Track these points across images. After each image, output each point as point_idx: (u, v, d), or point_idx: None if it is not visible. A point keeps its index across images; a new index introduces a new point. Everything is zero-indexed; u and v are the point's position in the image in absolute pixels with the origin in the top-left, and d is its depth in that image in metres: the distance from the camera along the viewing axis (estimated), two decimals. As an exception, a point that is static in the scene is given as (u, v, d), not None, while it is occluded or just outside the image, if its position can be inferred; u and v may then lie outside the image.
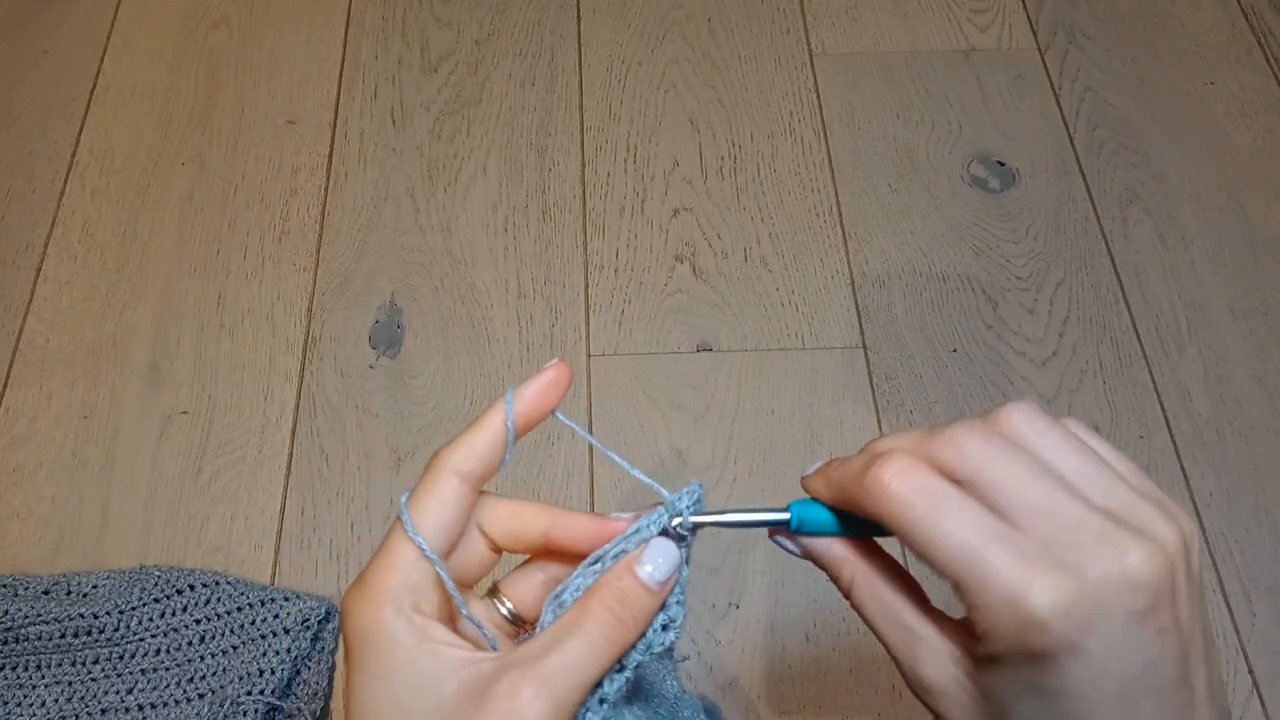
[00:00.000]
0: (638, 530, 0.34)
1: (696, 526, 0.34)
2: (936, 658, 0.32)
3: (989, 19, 0.97)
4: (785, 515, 0.35)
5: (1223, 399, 0.77)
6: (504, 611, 0.36)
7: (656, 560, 0.33)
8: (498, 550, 0.36)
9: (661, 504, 0.34)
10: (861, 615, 0.34)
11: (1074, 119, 0.91)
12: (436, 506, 0.33)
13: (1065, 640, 0.28)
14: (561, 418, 0.36)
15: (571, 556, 0.35)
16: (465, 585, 0.35)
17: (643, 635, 0.33)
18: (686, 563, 0.35)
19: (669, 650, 0.35)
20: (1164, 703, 0.29)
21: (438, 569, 0.32)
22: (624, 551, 0.33)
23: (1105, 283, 0.82)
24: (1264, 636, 0.67)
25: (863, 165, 0.88)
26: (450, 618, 0.34)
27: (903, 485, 0.30)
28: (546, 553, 0.36)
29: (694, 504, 0.34)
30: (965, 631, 0.31)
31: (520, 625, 0.36)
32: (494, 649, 0.34)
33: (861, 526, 0.34)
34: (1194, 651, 0.29)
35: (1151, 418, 0.76)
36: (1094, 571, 0.28)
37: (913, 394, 0.77)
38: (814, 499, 0.35)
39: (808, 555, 0.35)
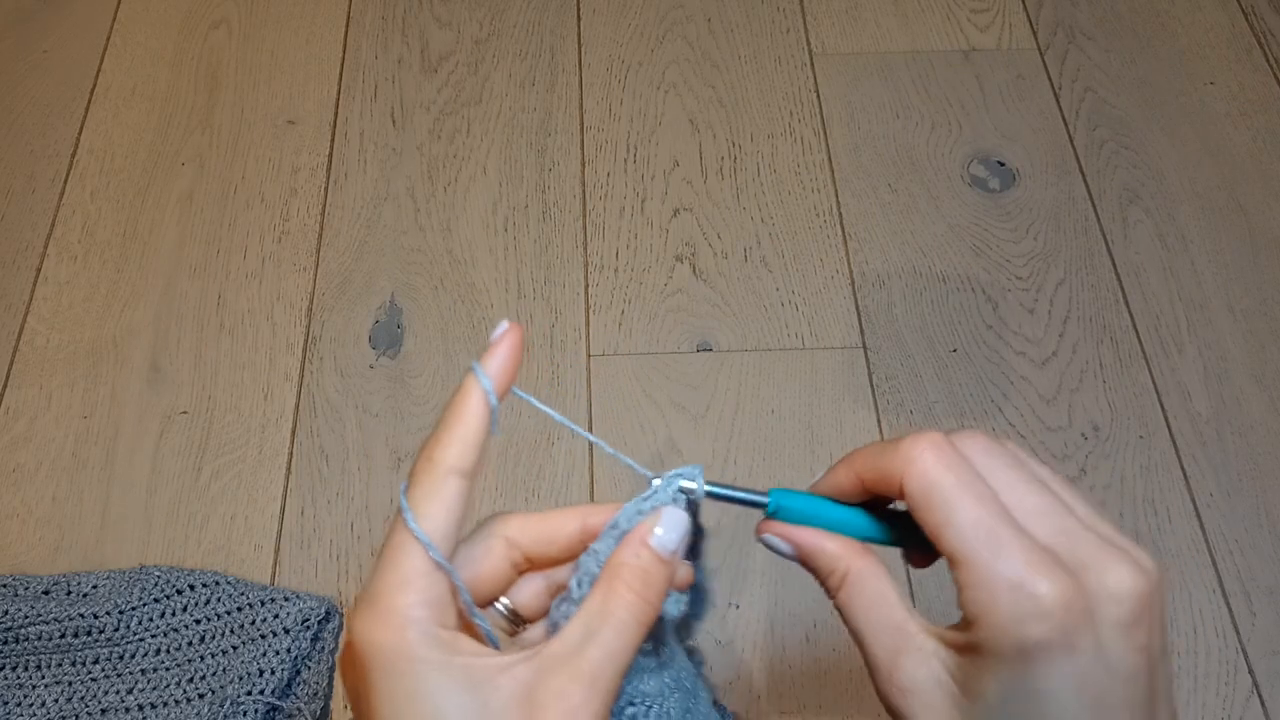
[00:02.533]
0: (648, 498, 0.34)
1: (689, 497, 0.34)
2: (922, 656, 0.32)
3: (989, 19, 0.97)
4: (764, 499, 0.35)
5: (1223, 399, 0.77)
6: (502, 609, 0.35)
7: (668, 528, 0.33)
8: (522, 569, 0.35)
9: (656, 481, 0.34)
10: (847, 614, 0.34)
11: (1074, 119, 0.91)
12: (443, 513, 0.32)
13: (1060, 633, 0.28)
14: (519, 392, 0.34)
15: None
16: (482, 603, 0.35)
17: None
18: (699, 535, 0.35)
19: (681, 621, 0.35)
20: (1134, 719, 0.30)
21: (454, 579, 0.31)
22: (640, 513, 0.33)
23: (1105, 283, 0.82)
24: (1264, 636, 0.67)
25: (863, 165, 0.88)
26: (460, 624, 0.33)
27: (937, 458, 0.31)
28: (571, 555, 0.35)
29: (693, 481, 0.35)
30: (953, 632, 0.32)
31: (518, 624, 0.36)
32: (495, 645, 0.33)
33: (843, 526, 0.35)
34: (1160, 682, 0.30)
35: (1151, 418, 0.76)
36: (1091, 578, 0.29)
37: (913, 394, 0.77)
38: (803, 492, 0.35)
39: (800, 554, 0.35)
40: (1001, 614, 0.29)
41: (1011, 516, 0.30)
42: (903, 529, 0.35)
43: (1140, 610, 0.29)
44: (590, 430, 0.74)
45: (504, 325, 0.34)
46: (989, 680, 0.30)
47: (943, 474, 0.31)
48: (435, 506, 0.31)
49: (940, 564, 0.33)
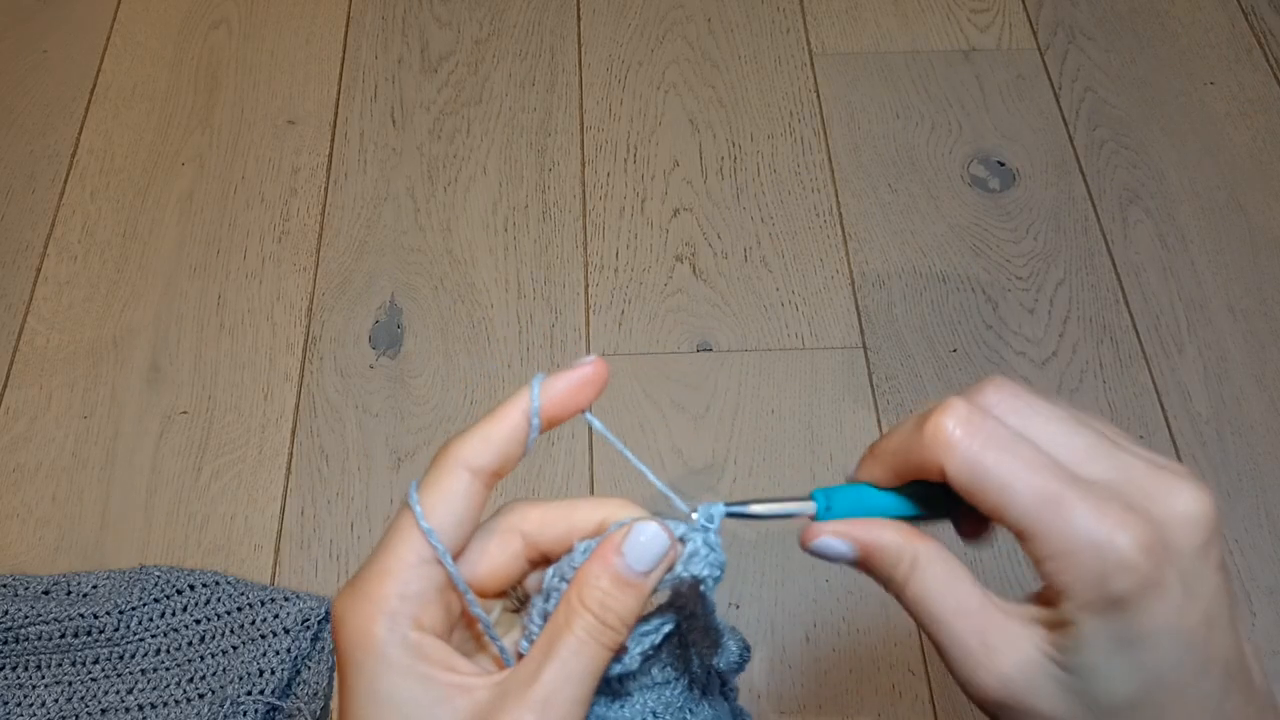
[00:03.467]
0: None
1: (729, 516, 0.33)
2: (1014, 638, 0.30)
3: (989, 19, 0.97)
4: (810, 505, 0.33)
5: (1223, 399, 0.77)
6: (516, 595, 0.34)
7: (636, 547, 0.30)
8: (537, 564, 0.33)
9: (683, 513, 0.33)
10: (922, 604, 0.31)
11: (1074, 119, 0.91)
12: (443, 503, 0.30)
13: (1150, 578, 0.28)
14: (591, 419, 0.32)
15: None
16: (491, 596, 0.33)
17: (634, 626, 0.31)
18: (713, 578, 0.33)
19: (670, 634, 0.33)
20: (1231, 638, 0.29)
21: (448, 567, 0.30)
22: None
23: (1105, 283, 0.82)
24: (1264, 636, 0.67)
25: (863, 165, 0.88)
26: (462, 623, 0.31)
27: (971, 435, 0.29)
28: None
29: (713, 522, 0.32)
30: (1038, 609, 0.30)
31: (525, 603, 0.34)
32: (508, 663, 0.31)
33: (904, 507, 0.33)
34: (1232, 588, 0.30)
35: (1151, 418, 0.76)
36: (1158, 510, 0.28)
37: (913, 394, 0.77)
38: (844, 486, 0.33)
39: (862, 551, 0.32)
40: (1087, 577, 0.28)
41: (1065, 469, 0.29)
42: (950, 499, 0.33)
43: (1211, 529, 0.29)
44: (590, 430, 0.74)
45: (592, 358, 0.32)
46: (1089, 647, 0.29)
47: (983, 452, 0.29)
48: (434, 496, 0.30)
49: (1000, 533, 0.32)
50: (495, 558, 0.32)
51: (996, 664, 0.30)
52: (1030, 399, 0.31)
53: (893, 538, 0.32)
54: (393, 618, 0.29)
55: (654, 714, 0.34)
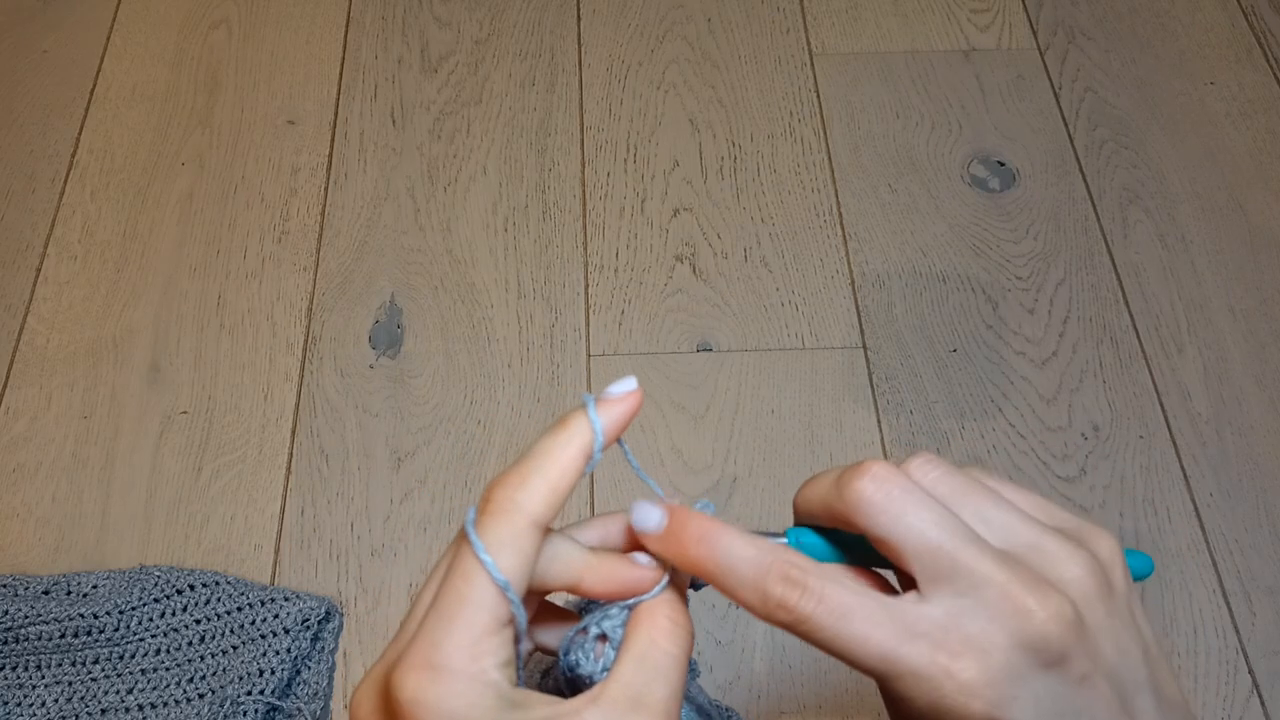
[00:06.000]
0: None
1: None
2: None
3: (989, 19, 0.97)
4: (782, 539, 0.34)
5: (1223, 399, 0.77)
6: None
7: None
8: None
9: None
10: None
11: (1074, 119, 0.91)
12: (522, 567, 0.29)
13: (992, 715, 0.27)
14: (625, 448, 0.33)
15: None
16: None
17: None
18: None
19: None
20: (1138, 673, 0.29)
21: (521, 637, 0.29)
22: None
23: (1105, 283, 0.82)
24: (1264, 636, 0.67)
25: (863, 165, 0.88)
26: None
27: (882, 492, 0.30)
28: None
29: None
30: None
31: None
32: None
33: (861, 559, 0.34)
34: (1129, 681, 0.29)
35: (1151, 418, 0.76)
36: (1002, 640, 0.28)
37: (912, 394, 0.77)
38: (808, 524, 0.35)
39: None
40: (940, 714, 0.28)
41: (971, 530, 0.29)
42: None
43: (1066, 648, 0.28)
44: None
45: (633, 383, 0.32)
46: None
47: (888, 509, 0.29)
48: (514, 560, 0.29)
49: None
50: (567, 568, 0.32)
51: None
52: (951, 474, 0.31)
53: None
54: (495, 687, 0.28)
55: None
